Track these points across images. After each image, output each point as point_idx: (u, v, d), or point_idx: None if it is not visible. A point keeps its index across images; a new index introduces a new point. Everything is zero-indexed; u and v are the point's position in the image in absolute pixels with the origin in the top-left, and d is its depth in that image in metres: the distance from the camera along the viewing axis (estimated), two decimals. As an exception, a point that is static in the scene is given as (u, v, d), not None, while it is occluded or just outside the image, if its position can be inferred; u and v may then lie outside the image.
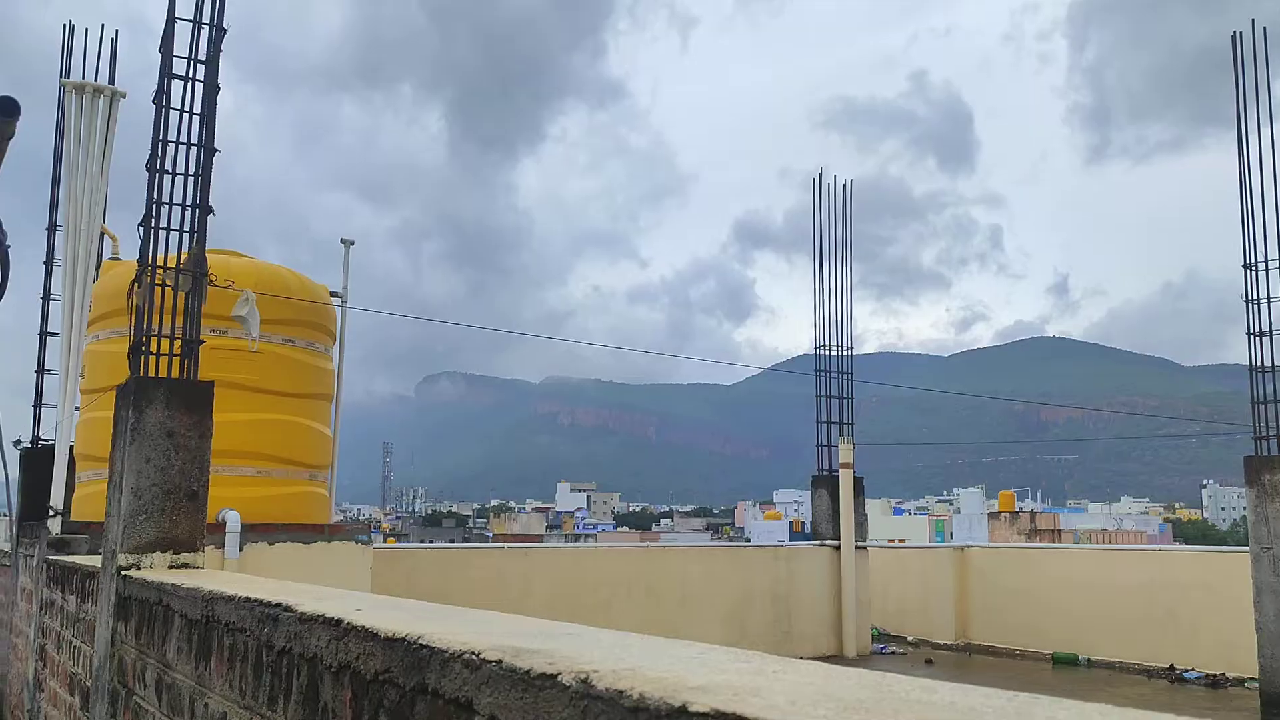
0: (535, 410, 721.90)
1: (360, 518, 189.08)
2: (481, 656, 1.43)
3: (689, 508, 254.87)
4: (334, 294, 9.86)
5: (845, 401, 13.96)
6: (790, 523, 75.05)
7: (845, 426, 13.84)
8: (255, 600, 2.59)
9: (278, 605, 2.42)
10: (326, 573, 7.81)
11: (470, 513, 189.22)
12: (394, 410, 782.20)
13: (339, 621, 1.99)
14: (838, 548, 13.24)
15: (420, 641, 1.62)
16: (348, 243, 10.15)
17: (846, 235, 14.15)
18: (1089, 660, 12.23)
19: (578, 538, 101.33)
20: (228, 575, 3.86)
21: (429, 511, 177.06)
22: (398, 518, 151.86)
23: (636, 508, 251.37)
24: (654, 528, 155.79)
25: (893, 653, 13.14)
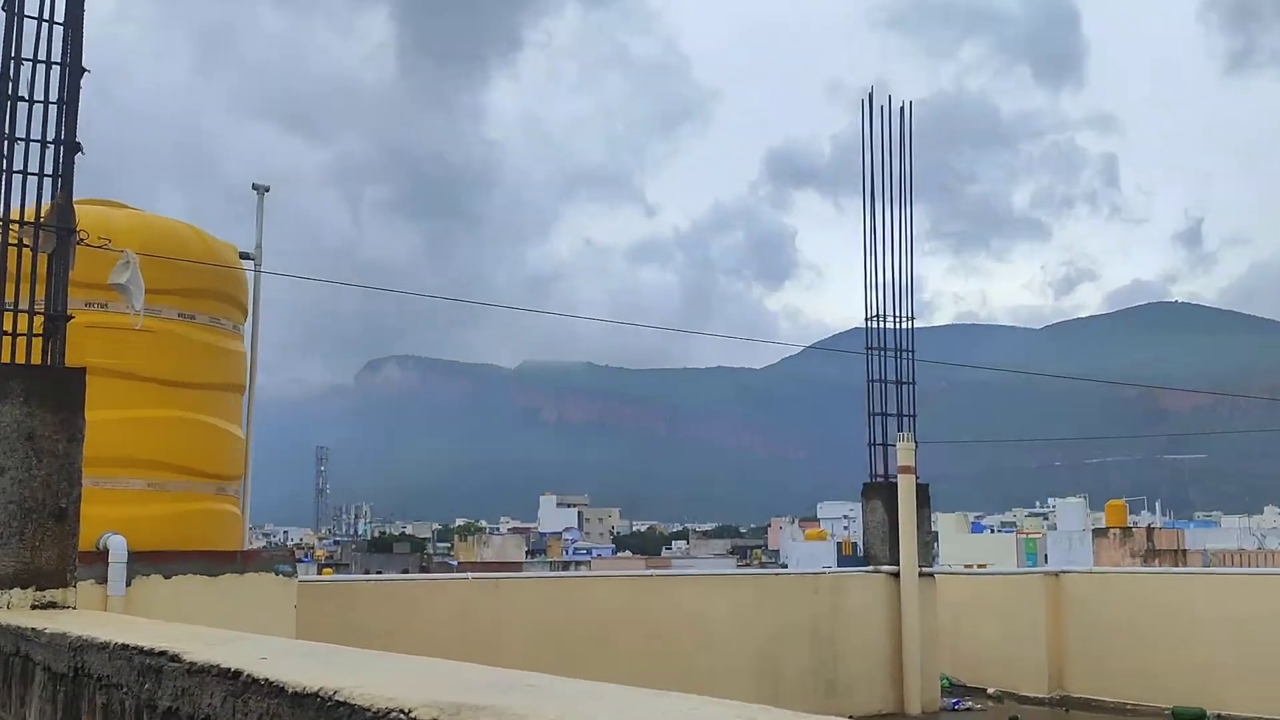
0: (511, 403, 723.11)
1: (286, 542, 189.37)
2: (412, 716, 1.42)
3: (709, 526, 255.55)
4: (245, 255, 9.85)
5: (907, 388, 13.95)
6: (838, 544, 75.11)
7: (906, 420, 13.83)
8: (134, 648, 2.57)
9: (162, 654, 2.40)
10: (238, 613, 7.81)
11: (429, 535, 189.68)
12: (329, 405, 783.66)
13: (238, 673, 1.98)
14: (897, 575, 13.25)
15: (336, 698, 1.61)
16: (261, 189, 10.13)
17: (909, 171, 14.12)
18: (1219, 716, 12.25)
19: (566, 565, 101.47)
20: (105, 617, 3.86)
21: (376, 534, 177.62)
22: (336, 542, 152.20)
23: (642, 527, 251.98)
24: (664, 552, 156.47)
25: (968, 708, 13.17)
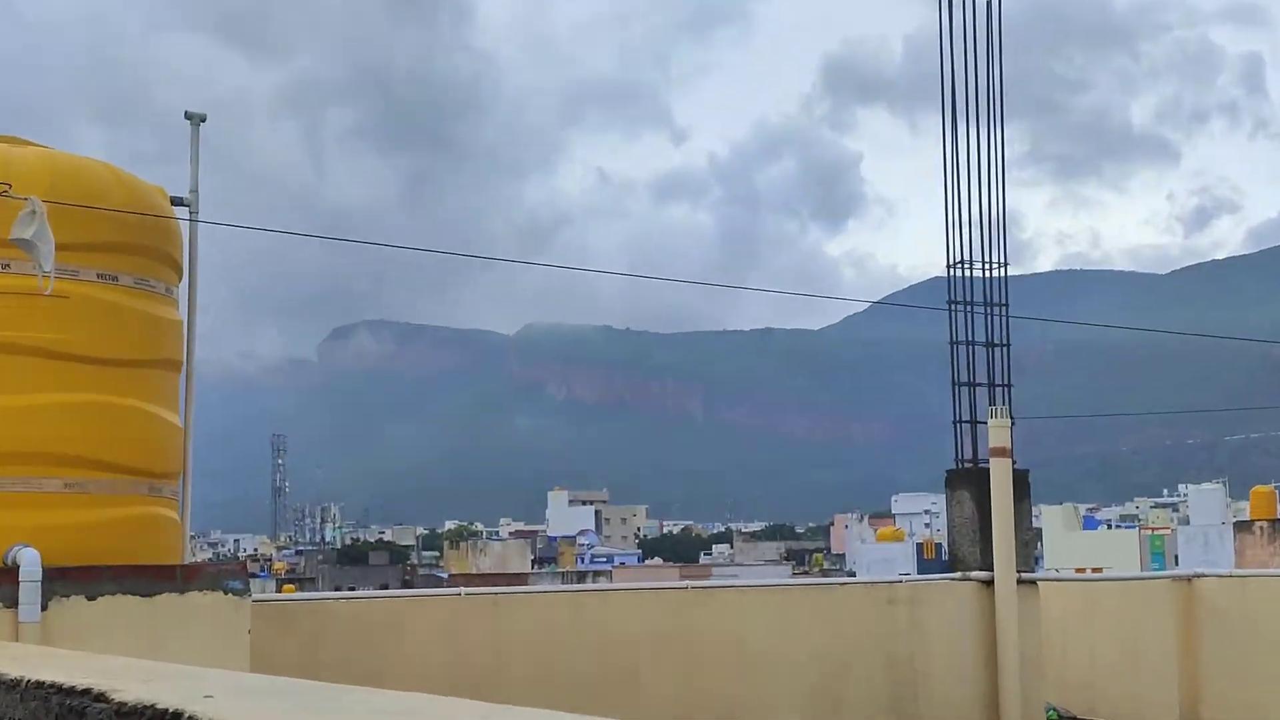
0: (510, 377, 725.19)
1: (238, 554, 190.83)
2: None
3: (757, 526, 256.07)
4: (179, 201, 9.88)
5: (1000, 351, 13.91)
6: (918, 545, 75.16)
7: (1000, 391, 13.79)
8: (52, 686, 2.62)
9: (85, 692, 2.42)
10: (179, 641, 7.88)
11: (412, 542, 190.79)
12: (287, 384, 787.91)
13: (177, 715, 2.03)
14: (991, 583, 13.25)
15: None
16: (196, 118, 10.14)
17: (1001, 80, 14.02)
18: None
19: (583, 576, 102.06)
20: (15, 649, 3.90)
21: (348, 541, 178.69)
22: (298, 552, 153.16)
23: (674, 528, 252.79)
24: (702, 558, 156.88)
25: (1080, 746, 13.19)
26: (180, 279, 9.67)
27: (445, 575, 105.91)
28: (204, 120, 10.18)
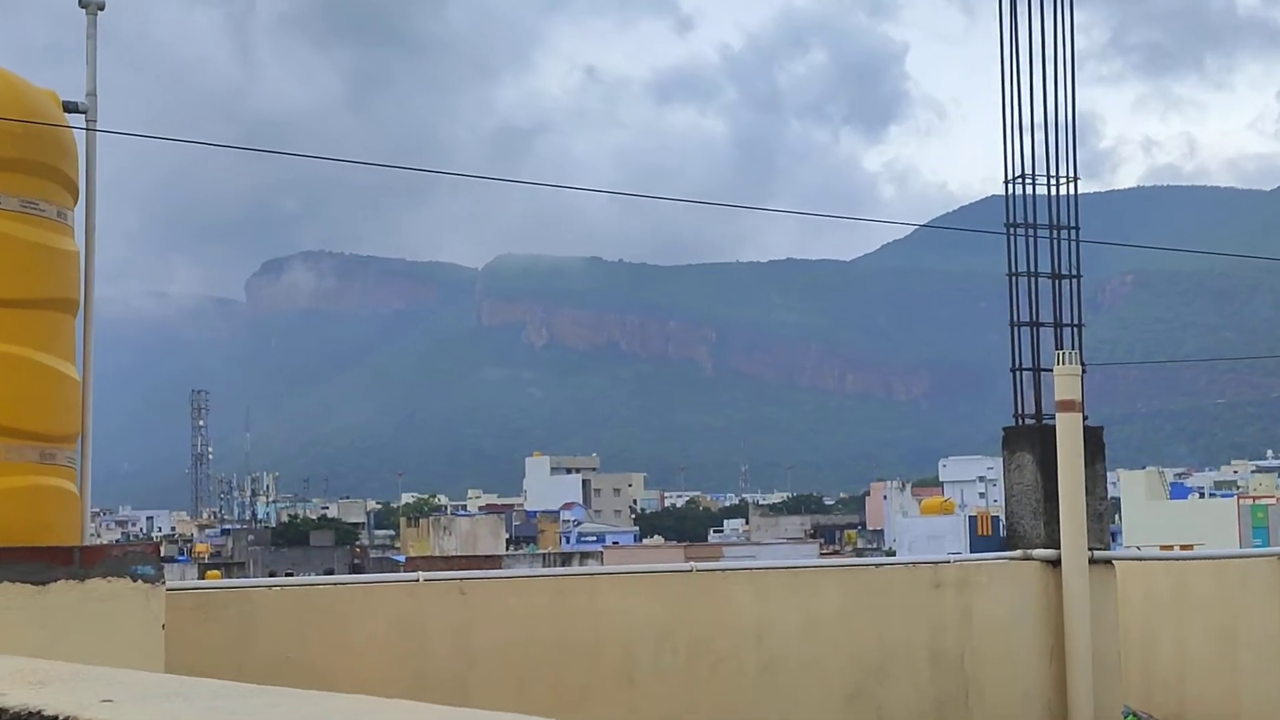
0: (479, 320, 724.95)
1: (151, 533, 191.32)
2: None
3: (778, 497, 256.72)
4: (72, 106, 9.85)
5: (1069, 284, 13.92)
6: (971, 518, 75.39)
7: (1069, 332, 13.81)
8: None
9: (-40, 698, 2.58)
10: (77, 636, 7.91)
11: (362, 518, 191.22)
12: (208, 329, 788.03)
13: (67, 723, 1.97)
14: (1057, 563, 13.31)
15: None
16: (94, 5, 10.09)
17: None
18: None
19: (567, 558, 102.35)
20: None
21: (285, 518, 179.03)
22: (225, 532, 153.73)
23: (678, 500, 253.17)
24: (712, 536, 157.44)
25: (1165, 757, 13.28)
26: (76, 201, 9.64)
27: (402, 558, 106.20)
28: (102, 8, 10.13)
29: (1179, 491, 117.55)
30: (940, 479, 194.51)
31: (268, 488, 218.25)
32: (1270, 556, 14.62)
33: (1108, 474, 13.98)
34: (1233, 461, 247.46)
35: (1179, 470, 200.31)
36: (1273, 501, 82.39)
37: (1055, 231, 13.95)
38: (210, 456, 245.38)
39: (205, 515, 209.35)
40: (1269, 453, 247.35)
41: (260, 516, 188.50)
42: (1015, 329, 13.86)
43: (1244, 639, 14.16)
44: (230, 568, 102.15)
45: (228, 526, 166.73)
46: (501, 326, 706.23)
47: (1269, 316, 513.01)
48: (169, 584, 9.14)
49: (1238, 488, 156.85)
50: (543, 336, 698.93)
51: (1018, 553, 13.59)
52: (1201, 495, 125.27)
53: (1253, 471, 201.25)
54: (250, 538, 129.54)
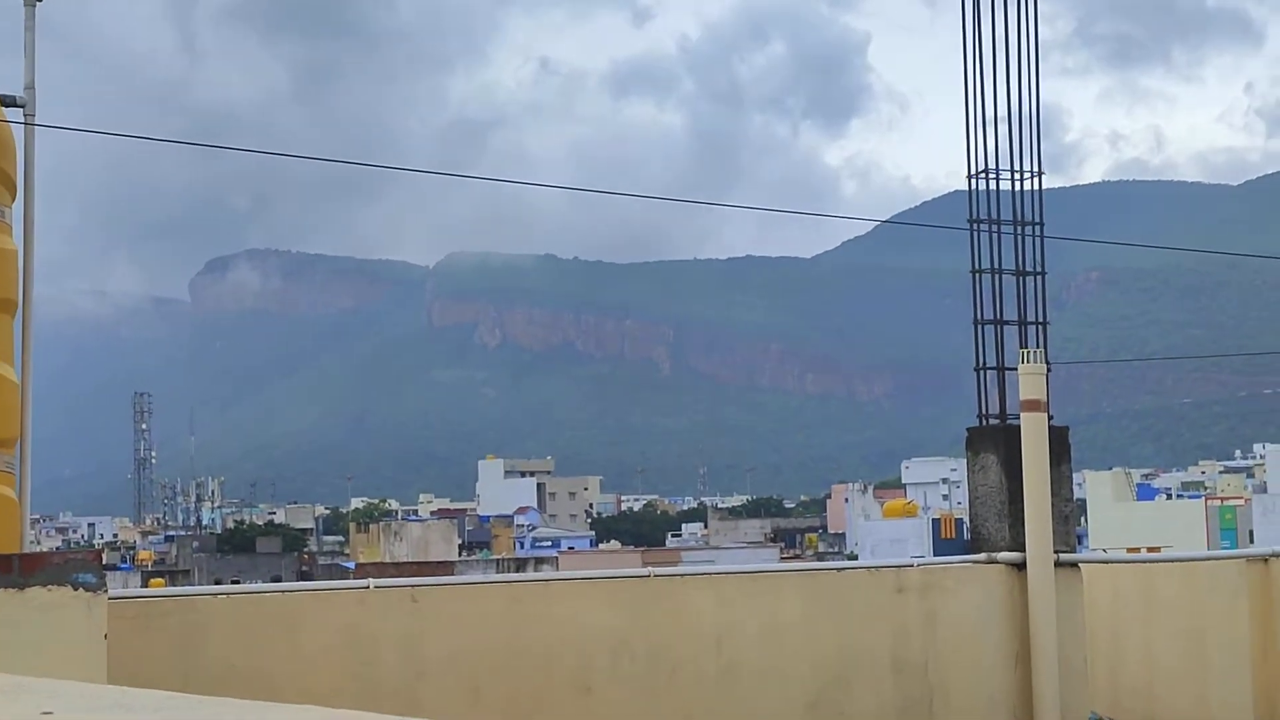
0: (430, 320, 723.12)
1: (93, 540, 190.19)
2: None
3: (737, 500, 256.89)
4: (10, 100, 9.80)
5: (1034, 281, 13.97)
6: (934, 521, 75.67)
7: (1034, 330, 13.86)
8: None
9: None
10: (16, 647, 7.86)
11: (311, 523, 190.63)
12: (151, 330, 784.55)
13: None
14: (1022, 566, 13.35)
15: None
16: (31, -4, 10.04)
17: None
18: None
19: (522, 564, 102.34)
20: None
21: (231, 524, 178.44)
22: (169, 538, 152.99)
23: (635, 503, 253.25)
24: (670, 540, 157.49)
25: (1133, 764, 13.32)
26: (14, 198, 9.59)
27: (352, 565, 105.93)
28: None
29: (1146, 492, 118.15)
30: (903, 481, 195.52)
31: (213, 493, 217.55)
32: (1239, 559, 14.68)
33: (1073, 475, 14.02)
34: (1200, 462, 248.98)
35: (1146, 471, 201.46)
36: (1241, 503, 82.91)
37: (1019, 227, 13.99)
38: (153, 461, 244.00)
39: (148, 521, 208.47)
40: (1237, 453, 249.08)
41: (205, 522, 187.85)
42: (979, 327, 13.90)
43: (1213, 643, 14.22)
44: (174, 575, 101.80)
45: (172, 533, 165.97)
46: (453, 326, 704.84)
47: (1236, 313, 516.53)
48: (111, 592, 9.09)
49: (1205, 489, 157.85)
50: (496, 336, 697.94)
51: (982, 556, 13.61)
52: (1169, 496, 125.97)
53: (1220, 472, 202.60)
54: (195, 544, 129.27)
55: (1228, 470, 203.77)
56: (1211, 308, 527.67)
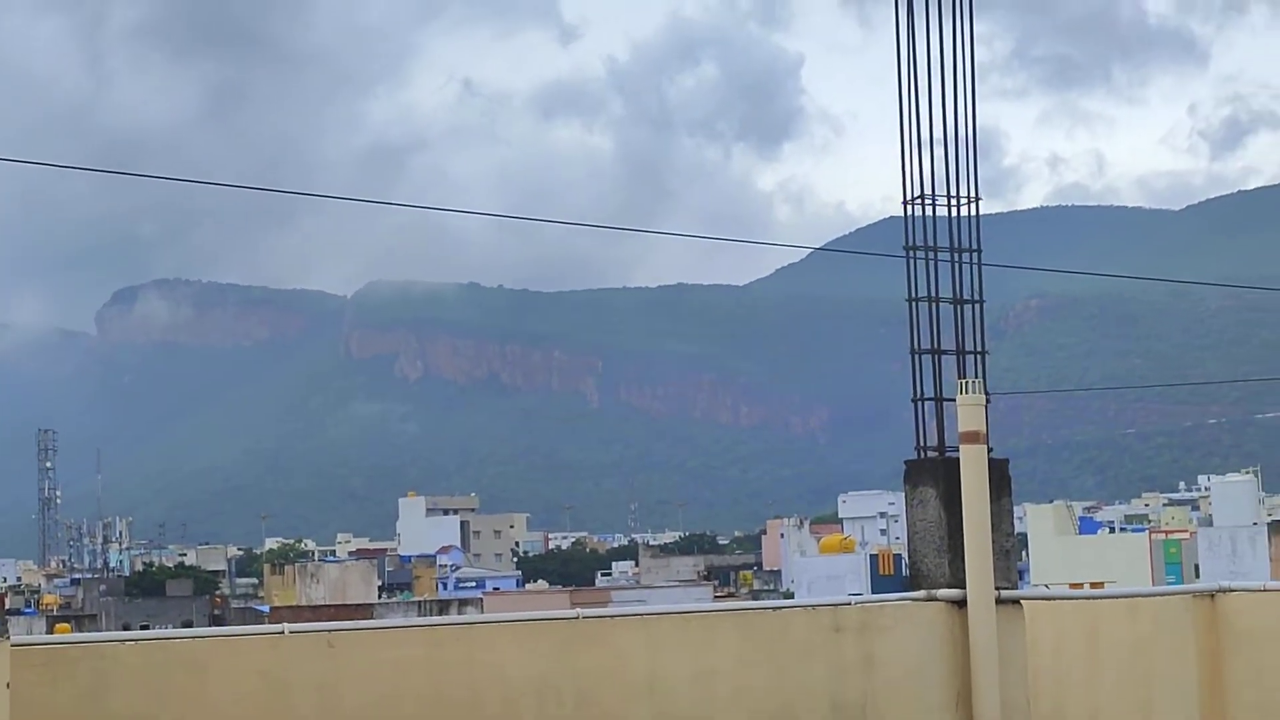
0: (347, 351, 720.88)
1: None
2: None
3: (670, 537, 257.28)
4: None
5: (972, 309, 14.03)
6: (872, 557, 76.03)
7: (973, 360, 13.91)
8: None
9: None
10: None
11: (223, 565, 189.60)
12: (55, 364, 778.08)
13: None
14: (962, 603, 13.37)
15: None
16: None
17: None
18: None
19: (445, 606, 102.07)
20: None
21: (139, 566, 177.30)
22: (75, 581, 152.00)
23: (563, 541, 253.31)
24: (600, 579, 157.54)
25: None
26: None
27: (266, 608, 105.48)
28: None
29: (1088, 526, 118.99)
30: (840, 515, 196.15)
31: (121, 534, 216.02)
32: (1185, 595, 14.75)
33: (1014, 508, 14.04)
34: (1144, 494, 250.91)
35: (1088, 504, 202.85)
36: (1186, 536, 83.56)
37: (956, 254, 14.04)
38: (58, 501, 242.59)
39: (53, 564, 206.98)
40: (1181, 485, 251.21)
41: (113, 565, 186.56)
42: (916, 357, 13.92)
43: (1158, 682, 14.27)
44: (81, 620, 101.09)
45: (78, 576, 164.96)
46: (372, 358, 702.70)
47: (1179, 341, 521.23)
48: (14, 639, 8.99)
49: (1149, 522, 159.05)
50: (417, 369, 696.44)
51: (921, 593, 13.61)
52: (1112, 530, 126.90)
53: (1164, 504, 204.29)
54: (102, 588, 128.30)
55: (1172, 503, 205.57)
56: (1154, 336, 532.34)
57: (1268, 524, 55.51)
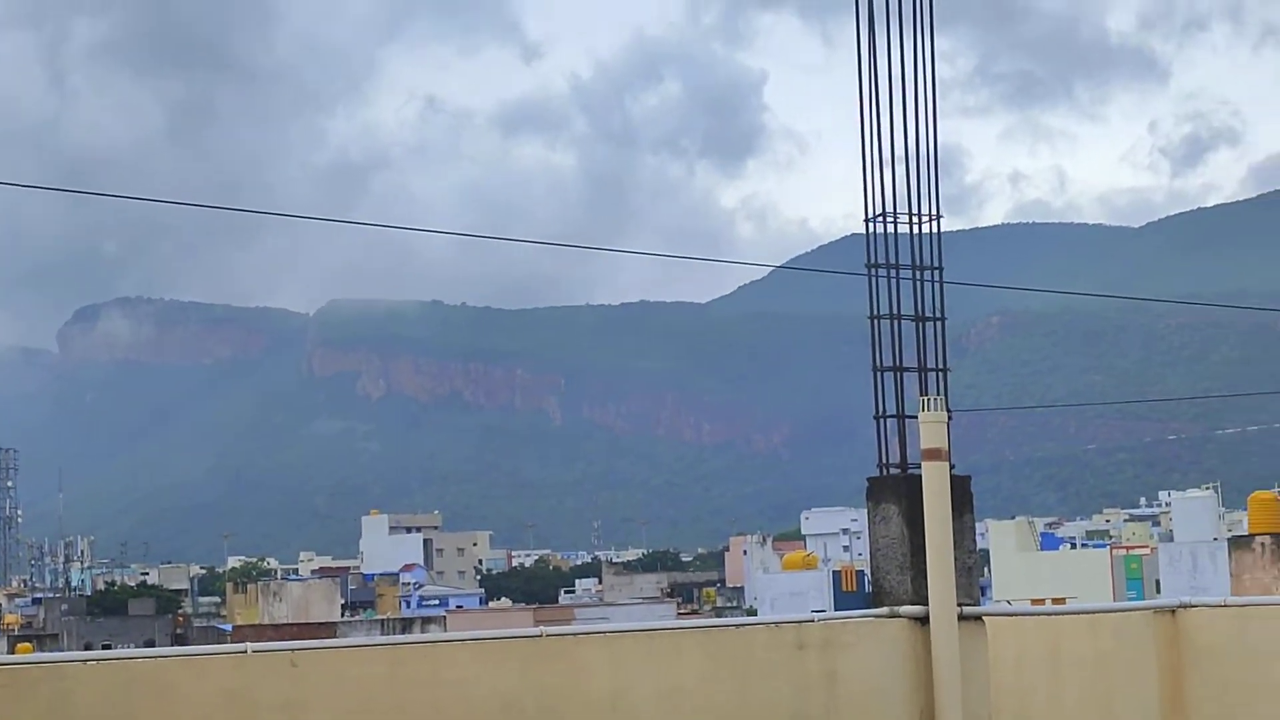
0: (309, 369, 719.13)
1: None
2: None
3: (632, 554, 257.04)
4: None
5: (934, 326, 14.06)
6: (835, 573, 76.04)
7: (934, 377, 13.94)
8: None
9: None
10: None
11: (186, 584, 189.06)
12: (17, 383, 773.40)
13: None
14: (925, 620, 13.39)
15: None
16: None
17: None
18: None
19: (408, 624, 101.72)
20: None
21: (101, 586, 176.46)
22: (36, 600, 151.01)
23: (526, 559, 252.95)
24: (563, 597, 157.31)
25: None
26: None
27: (228, 627, 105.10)
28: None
29: (1049, 542, 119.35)
30: (803, 532, 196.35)
31: (82, 553, 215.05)
32: (1146, 610, 14.79)
33: (976, 525, 14.07)
34: (1105, 510, 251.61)
35: (1049, 520, 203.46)
36: (1147, 552, 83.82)
37: (918, 271, 14.06)
38: (19, 520, 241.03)
39: (15, 584, 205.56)
40: (1142, 500, 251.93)
41: (75, 584, 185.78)
42: (878, 374, 13.94)
43: (1120, 697, 14.30)
44: (43, 640, 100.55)
45: (39, 595, 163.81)
46: (335, 376, 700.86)
47: (1140, 358, 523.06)
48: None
49: (1110, 537, 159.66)
50: (380, 387, 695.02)
51: (884, 610, 13.62)
52: (1073, 545, 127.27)
53: (1125, 520, 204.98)
54: (64, 607, 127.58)
55: (1133, 518, 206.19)
56: (1114, 353, 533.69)
57: (1228, 539, 55.58)
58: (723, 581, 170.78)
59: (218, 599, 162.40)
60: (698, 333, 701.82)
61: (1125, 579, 75.51)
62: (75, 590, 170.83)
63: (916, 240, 14.14)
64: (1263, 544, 48.44)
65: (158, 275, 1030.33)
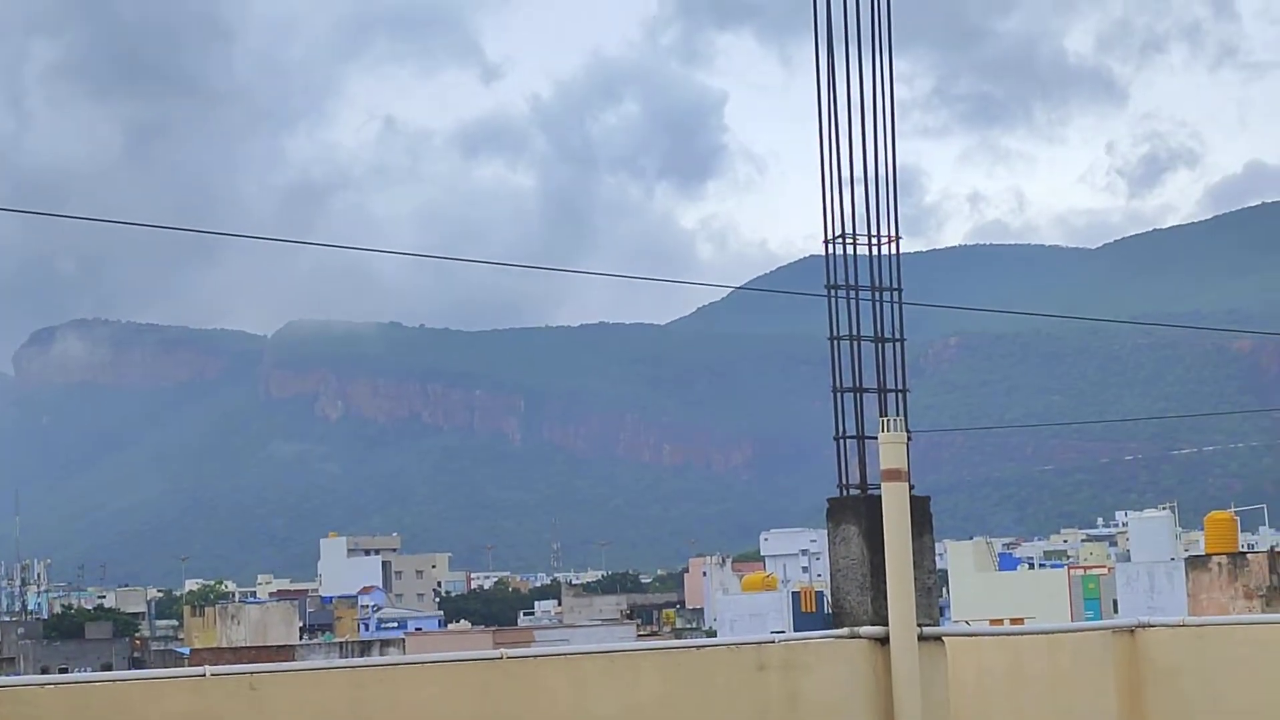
0: (266, 391, 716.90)
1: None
2: None
3: (592, 575, 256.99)
4: None
5: (893, 347, 14.08)
6: (794, 594, 76.14)
7: (894, 397, 13.96)
8: None
9: None
10: None
11: (143, 607, 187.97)
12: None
13: None
14: (885, 640, 13.39)
15: None
16: None
17: None
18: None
19: (367, 647, 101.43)
20: None
21: (58, 609, 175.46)
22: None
23: (485, 581, 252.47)
24: (522, 619, 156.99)
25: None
26: None
27: (186, 650, 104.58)
28: None
29: (1008, 562, 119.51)
30: (762, 553, 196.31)
31: (39, 576, 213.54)
32: (1105, 630, 14.83)
33: (935, 545, 14.09)
34: (1062, 530, 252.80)
35: (1007, 540, 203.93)
36: (1104, 572, 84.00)
37: (877, 293, 14.08)
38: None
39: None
40: (1099, 520, 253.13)
41: (31, 607, 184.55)
42: (838, 395, 13.96)
43: (1079, 716, 14.31)
44: (2, 665, 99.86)
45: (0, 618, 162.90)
46: (292, 398, 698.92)
47: (1097, 379, 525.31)
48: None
49: (1068, 557, 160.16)
50: (337, 409, 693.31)
51: (844, 631, 13.61)
52: (1031, 566, 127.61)
53: (1083, 540, 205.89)
54: (20, 631, 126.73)
55: (1090, 538, 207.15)
56: (1072, 374, 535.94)
57: (1185, 559, 55.73)
58: (682, 603, 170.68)
59: (175, 622, 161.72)
60: (657, 354, 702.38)
61: (1083, 599, 75.66)
62: (32, 614, 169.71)
63: (876, 261, 14.16)
64: (1219, 564, 48.59)
65: (114, 297, 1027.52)
